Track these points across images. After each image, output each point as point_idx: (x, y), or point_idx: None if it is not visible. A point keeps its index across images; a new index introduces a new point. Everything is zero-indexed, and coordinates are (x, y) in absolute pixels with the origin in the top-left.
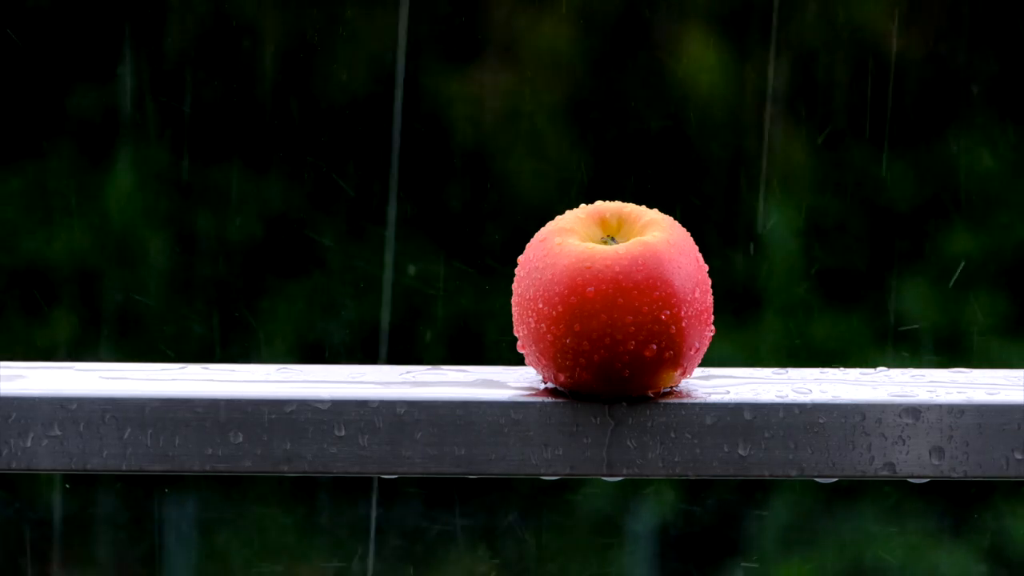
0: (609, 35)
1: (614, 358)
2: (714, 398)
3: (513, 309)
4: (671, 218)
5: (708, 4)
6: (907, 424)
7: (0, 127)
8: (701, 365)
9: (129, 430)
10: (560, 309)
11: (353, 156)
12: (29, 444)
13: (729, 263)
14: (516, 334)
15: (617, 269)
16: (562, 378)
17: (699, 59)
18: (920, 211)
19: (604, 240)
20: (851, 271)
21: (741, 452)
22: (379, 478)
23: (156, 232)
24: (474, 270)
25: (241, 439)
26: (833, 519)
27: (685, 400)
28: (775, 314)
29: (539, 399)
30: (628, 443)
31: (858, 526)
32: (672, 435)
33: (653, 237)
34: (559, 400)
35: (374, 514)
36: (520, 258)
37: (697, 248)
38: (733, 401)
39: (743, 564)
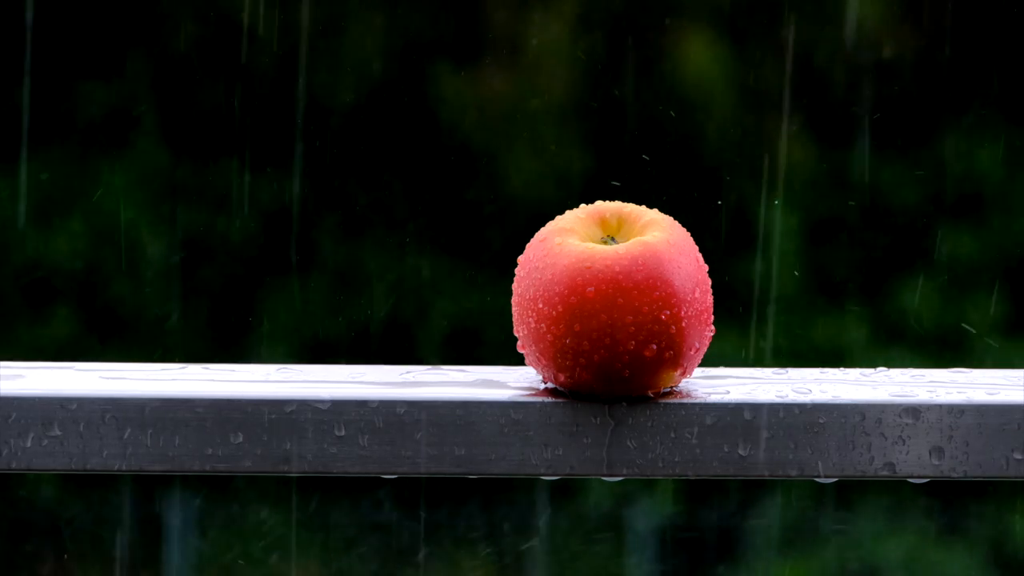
0: (609, 35)
1: (614, 358)
2: (714, 398)
3: (513, 309)
4: (671, 218)
5: (708, 4)
6: (907, 424)
7: (0, 126)
8: (701, 365)
9: (129, 430)
10: (560, 309)
11: (353, 156)
12: (29, 444)
13: (729, 263)
14: (516, 334)
15: (617, 269)
16: (562, 378)
17: (699, 59)
18: (920, 211)
19: (604, 240)
20: (851, 271)
21: (741, 452)
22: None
23: (156, 232)
24: (474, 270)
25: (241, 439)
26: (833, 519)
27: (685, 400)
28: (775, 314)
29: (539, 399)
30: (628, 443)
31: (858, 526)
32: (672, 435)
33: (653, 237)
34: (559, 400)
35: (374, 514)
36: (520, 258)
37: (697, 248)
38: (733, 401)
39: (743, 564)
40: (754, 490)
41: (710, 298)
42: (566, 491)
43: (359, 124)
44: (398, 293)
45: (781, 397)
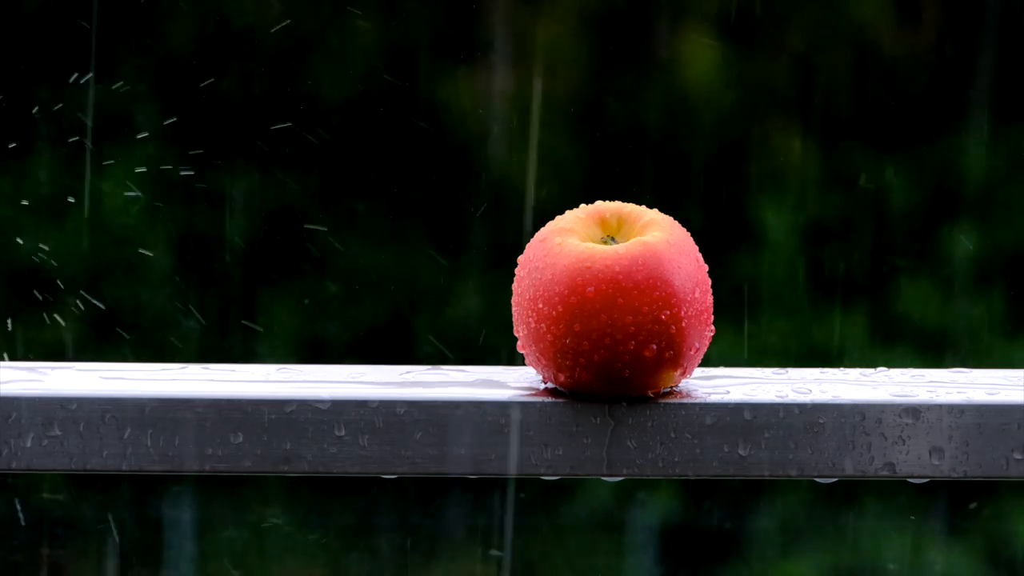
0: (609, 35)
1: (614, 358)
2: (714, 398)
3: (513, 309)
4: (671, 218)
5: (708, 4)
6: (907, 424)
7: None
8: (701, 365)
9: (129, 430)
10: (560, 309)
11: (353, 156)
12: (29, 444)
13: (729, 263)
14: (516, 334)
15: (617, 269)
16: (562, 378)
17: (699, 59)
18: (920, 211)
19: (604, 240)
20: (851, 271)
21: (741, 452)
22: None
23: (156, 231)
24: (474, 270)
25: (241, 439)
26: (833, 519)
27: (685, 400)
28: (775, 314)
29: (539, 399)
30: (628, 443)
31: (858, 526)
32: (672, 435)
33: (653, 237)
34: (559, 400)
35: (373, 514)
36: (520, 258)
37: (697, 248)
38: (733, 401)
39: (743, 564)
40: (754, 490)
41: (710, 298)
42: (566, 491)
43: (359, 124)
44: (398, 293)
45: (781, 397)
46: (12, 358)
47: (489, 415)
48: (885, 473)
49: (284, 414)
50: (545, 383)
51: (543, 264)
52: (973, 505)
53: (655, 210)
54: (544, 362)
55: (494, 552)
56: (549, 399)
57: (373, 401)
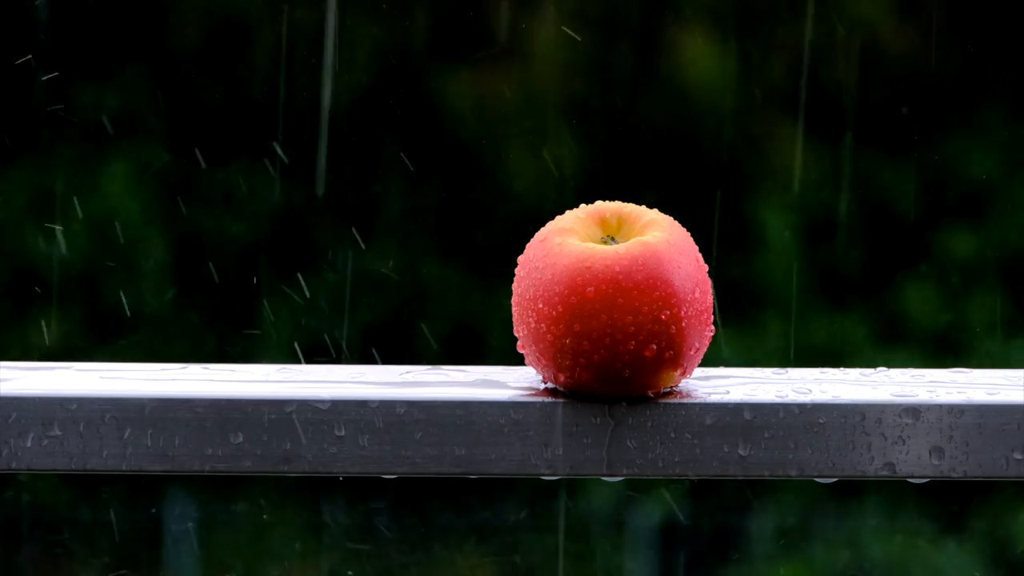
0: (609, 35)
1: (614, 358)
2: (714, 398)
3: (513, 309)
4: (671, 218)
5: (708, 4)
6: (907, 424)
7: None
8: (701, 365)
9: (129, 430)
10: (560, 309)
11: (353, 156)
12: (29, 444)
13: (729, 263)
14: (516, 334)
15: (617, 269)
16: (562, 378)
17: (699, 59)
18: (920, 211)
19: (604, 240)
20: (851, 271)
21: (741, 452)
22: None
23: (156, 231)
24: (474, 270)
25: (241, 439)
26: (833, 519)
27: (685, 400)
28: (775, 314)
29: (539, 399)
30: (628, 443)
31: (858, 526)
32: (672, 435)
33: (653, 237)
34: (559, 400)
35: (373, 514)
36: (520, 258)
37: (697, 248)
38: (733, 401)
39: (743, 564)
40: (754, 490)
41: (710, 298)
42: (566, 491)
43: (359, 124)
44: (398, 293)
45: (781, 397)
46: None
47: (489, 415)
48: (885, 473)
49: (284, 414)
50: (545, 383)
51: (543, 264)
52: (973, 505)
53: (655, 210)
54: (544, 362)
55: (494, 552)
56: (549, 399)
57: (373, 401)
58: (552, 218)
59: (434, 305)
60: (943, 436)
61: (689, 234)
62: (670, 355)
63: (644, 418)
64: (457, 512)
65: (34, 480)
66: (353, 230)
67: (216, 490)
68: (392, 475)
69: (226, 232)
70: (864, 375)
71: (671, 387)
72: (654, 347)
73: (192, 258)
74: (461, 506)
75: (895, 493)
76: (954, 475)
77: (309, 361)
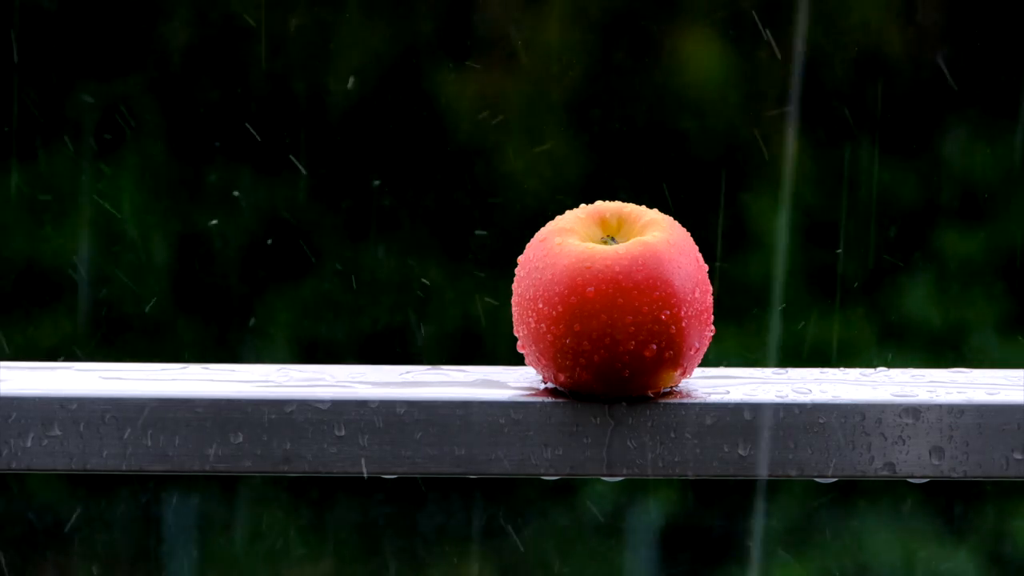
0: (608, 35)
1: (614, 358)
2: (714, 398)
3: (513, 309)
4: (671, 218)
5: (708, 4)
6: (907, 424)
7: None
8: (701, 365)
9: (129, 430)
10: (560, 309)
11: (353, 156)
12: (29, 444)
13: (729, 263)
14: (516, 334)
15: (617, 269)
16: (562, 378)
17: (698, 59)
18: (920, 210)
19: (604, 240)
20: (851, 271)
21: (741, 452)
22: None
23: (156, 232)
24: (474, 270)
25: (241, 439)
26: (833, 519)
27: (685, 400)
28: (775, 314)
29: (539, 399)
30: (628, 443)
31: (858, 526)
32: (672, 435)
33: (653, 237)
34: (559, 400)
35: (372, 514)
36: (520, 258)
37: (697, 248)
38: (733, 401)
39: (743, 564)
40: (754, 490)
41: (710, 298)
42: (566, 491)
43: (359, 124)
44: (398, 293)
45: (781, 397)
46: (12, 358)
47: (489, 415)
48: (885, 473)
49: (284, 414)
50: (545, 383)
51: (543, 264)
52: (973, 505)
53: (655, 210)
54: (544, 362)
55: (494, 552)
56: (549, 399)
57: (373, 401)
58: (552, 218)
59: (434, 305)
60: (943, 436)
61: (689, 234)
62: (670, 355)
63: (644, 418)
64: (457, 512)
65: (34, 480)
66: (353, 230)
67: (216, 490)
68: (392, 475)
69: (226, 232)
70: (864, 375)
71: (671, 387)
72: (654, 347)
73: (192, 258)
74: (461, 506)
75: (895, 493)
76: (954, 475)
77: (309, 361)
